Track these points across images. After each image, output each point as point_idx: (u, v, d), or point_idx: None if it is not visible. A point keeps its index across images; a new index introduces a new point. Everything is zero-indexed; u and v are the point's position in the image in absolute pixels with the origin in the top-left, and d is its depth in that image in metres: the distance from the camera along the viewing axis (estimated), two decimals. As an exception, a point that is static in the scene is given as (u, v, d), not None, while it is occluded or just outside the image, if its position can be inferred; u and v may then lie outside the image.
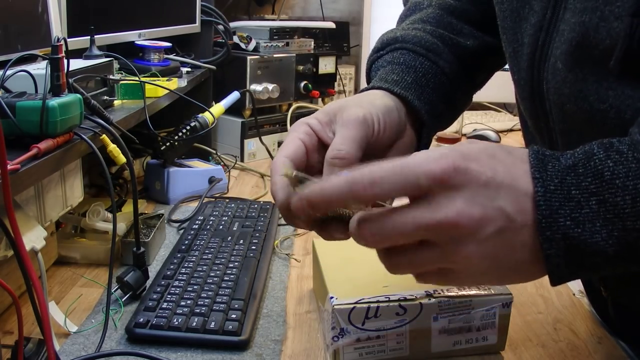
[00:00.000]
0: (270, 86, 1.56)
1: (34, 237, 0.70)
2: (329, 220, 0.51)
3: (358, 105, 0.57)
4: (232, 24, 1.63)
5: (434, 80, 0.66)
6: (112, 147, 0.81)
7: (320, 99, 1.76)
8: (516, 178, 0.43)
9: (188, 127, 1.24)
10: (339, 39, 2.12)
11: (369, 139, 0.55)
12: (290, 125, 1.60)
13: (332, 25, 1.94)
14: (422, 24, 0.71)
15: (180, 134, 1.23)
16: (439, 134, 1.65)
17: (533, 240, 0.43)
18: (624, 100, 0.50)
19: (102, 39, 1.11)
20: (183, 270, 0.85)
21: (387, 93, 0.62)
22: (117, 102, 0.99)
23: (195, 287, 0.80)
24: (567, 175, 0.43)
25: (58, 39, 0.71)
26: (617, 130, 0.51)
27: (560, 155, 0.44)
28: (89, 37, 0.97)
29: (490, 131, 1.86)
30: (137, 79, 1.04)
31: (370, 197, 0.43)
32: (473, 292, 0.69)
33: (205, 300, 0.77)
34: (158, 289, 0.80)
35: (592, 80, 0.52)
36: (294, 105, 1.65)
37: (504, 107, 2.14)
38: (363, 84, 2.08)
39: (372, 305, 0.67)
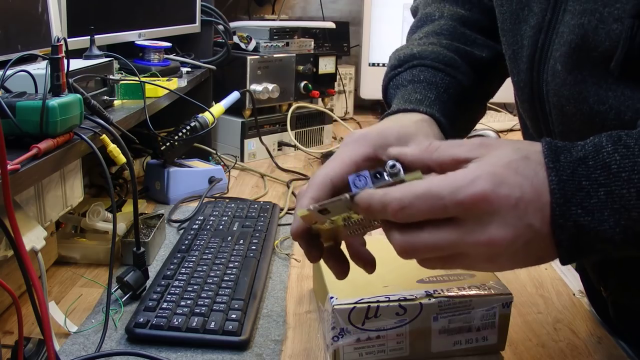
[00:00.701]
0: (270, 86, 1.56)
1: (34, 237, 0.70)
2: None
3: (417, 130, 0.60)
4: (232, 24, 1.63)
5: (455, 94, 0.67)
6: (112, 147, 0.81)
7: (320, 99, 1.76)
8: (539, 191, 0.45)
9: (188, 127, 1.24)
10: (339, 39, 2.12)
11: None
12: (290, 125, 1.60)
13: (332, 25, 1.94)
14: (437, 37, 0.71)
15: (180, 134, 1.23)
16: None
17: (548, 230, 0.45)
18: (623, 101, 0.50)
19: (102, 39, 1.10)
20: (183, 270, 0.85)
21: (418, 114, 0.63)
22: (117, 102, 0.99)
23: (195, 287, 0.80)
24: (578, 167, 0.44)
25: (58, 39, 0.71)
26: (616, 131, 0.51)
27: (572, 147, 0.46)
28: (89, 37, 0.97)
29: (490, 131, 1.86)
30: (137, 79, 1.04)
31: (398, 219, 0.46)
32: (473, 292, 0.69)
33: (205, 300, 0.77)
34: (158, 289, 0.80)
35: (591, 81, 0.52)
36: (294, 105, 1.65)
37: (504, 107, 2.14)
38: (363, 84, 2.08)
39: (372, 305, 0.67)
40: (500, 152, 0.46)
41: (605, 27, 0.49)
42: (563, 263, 0.46)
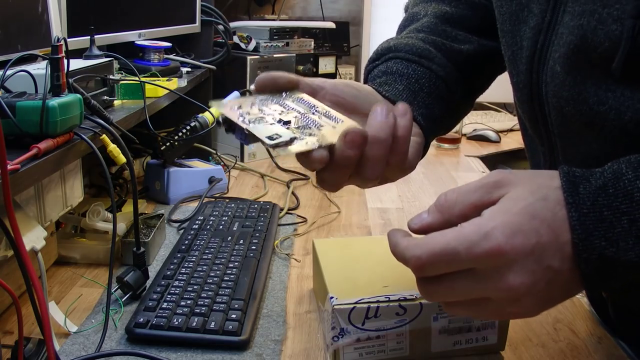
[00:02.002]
0: (270, 86, 1.55)
1: (34, 237, 0.70)
2: None
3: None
4: (232, 24, 1.63)
5: (429, 85, 0.66)
6: (112, 147, 0.81)
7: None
8: (557, 232, 0.45)
9: (188, 127, 1.24)
10: (339, 39, 2.12)
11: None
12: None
13: (332, 25, 1.94)
14: (416, 33, 0.72)
15: (180, 134, 1.23)
16: (439, 134, 1.65)
17: (572, 266, 0.45)
18: (623, 101, 0.50)
19: (102, 39, 1.11)
20: (183, 270, 0.85)
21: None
22: (117, 102, 0.99)
23: (195, 287, 0.80)
24: (598, 197, 0.44)
25: (58, 39, 0.71)
26: (616, 132, 0.51)
27: (590, 175, 0.46)
28: (89, 37, 0.97)
29: (490, 131, 1.86)
30: (137, 79, 1.04)
31: (419, 275, 0.48)
32: (473, 292, 0.69)
33: (205, 300, 0.77)
34: (158, 289, 0.80)
35: (591, 82, 0.52)
36: (294, 105, 1.64)
37: (504, 107, 2.14)
38: (363, 84, 2.08)
39: (372, 305, 0.67)
40: (516, 192, 0.46)
41: (605, 28, 0.49)
42: (590, 294, 0.47)
